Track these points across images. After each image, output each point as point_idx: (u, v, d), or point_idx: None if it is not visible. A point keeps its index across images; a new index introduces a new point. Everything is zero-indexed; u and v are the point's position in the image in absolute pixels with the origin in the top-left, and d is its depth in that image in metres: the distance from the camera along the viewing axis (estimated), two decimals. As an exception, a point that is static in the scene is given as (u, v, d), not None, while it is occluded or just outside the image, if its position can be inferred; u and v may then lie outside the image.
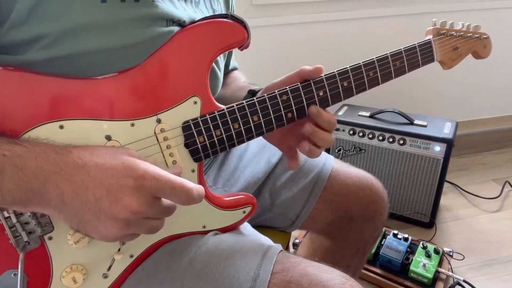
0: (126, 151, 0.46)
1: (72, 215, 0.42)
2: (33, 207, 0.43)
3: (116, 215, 0.41)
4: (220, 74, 0.69)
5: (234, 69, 0.88)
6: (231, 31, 0.55)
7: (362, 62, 0.63)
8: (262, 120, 0.58)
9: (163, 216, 0.46)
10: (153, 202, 0.43)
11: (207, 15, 0.63)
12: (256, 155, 0.82)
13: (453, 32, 0.72)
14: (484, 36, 0.75)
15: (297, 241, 1.37)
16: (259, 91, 0.68)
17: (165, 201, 0.45)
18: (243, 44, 0.56)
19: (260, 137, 0.82)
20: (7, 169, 0.40)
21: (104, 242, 0.51)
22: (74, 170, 0.42)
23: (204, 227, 0.59)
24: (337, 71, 0.62)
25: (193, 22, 0.57)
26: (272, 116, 0.59)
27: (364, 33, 1.75)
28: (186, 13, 0.57)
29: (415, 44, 0.68)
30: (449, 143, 1.37)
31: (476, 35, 0.74)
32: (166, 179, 0.43)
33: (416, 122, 1.47)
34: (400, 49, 0.66)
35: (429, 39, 0.70)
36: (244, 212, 0.61)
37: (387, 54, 0.65)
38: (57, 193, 0.41)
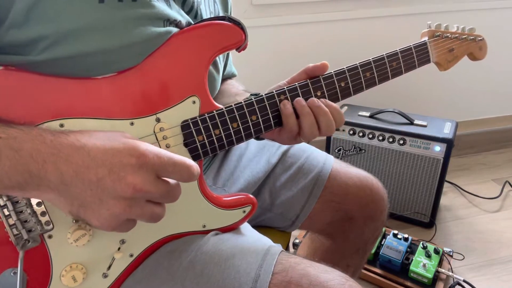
0: (123, 134, 0.46)
1: (74, 197, 0.42)
2: (31, 191, 0.42)
3: (119, 193, 0.41)
4: (218, 76, 0.70)
5: (233, 75, 0.88)
6: (229, 33, 0.56)
7: (359, 63, 0.64)
8: (260, 120, 0.59)
9: (166, 199, 0.46)
10: (156, 181, 0.43)
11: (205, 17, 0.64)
12: (256, 155, 0.82)
13: (448, 34, 0.73)
14: (479, 38, 0.76)
15: (297, 241, 1.37)
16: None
17: (169, 183, 0.45)
18: (240, 46, 0.57)
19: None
20: (3, 151, 0.40)
21: (102, 240, 0.51)
22: (73, 151, 0.41)
23: (204, 226, 0.59)
24: (334, 71, 0.63)
25: (189, 24, 0.57)
26: (270, 116, 0.59)
27: (364, 33, 1.75)
28: (181, 14, 0.57)
29: (410, 45, 0.69)
30: (449, 143, 1.37)
31: (471, 37, 0.75)
32: (168, 156, 0.43)
33: (416, 122, 1.47)
34: (396, 50, 0.67)
35: (425, 40, 0.71)
36: (244, 211, 0.61)
37: (383, 55, 0.66)
38: (56, 174, 0.41)
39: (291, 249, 1.33)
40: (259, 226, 0.82)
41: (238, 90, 0.77)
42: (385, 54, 0.66)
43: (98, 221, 0.43)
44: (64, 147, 0.41)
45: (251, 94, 0.70)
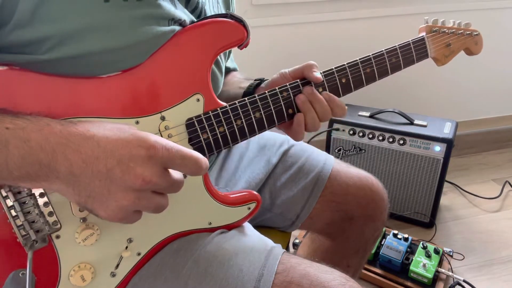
0: (131, 126, 0.46)
1: (82, 188, 0.42)
2: (40, 182, 0.42)
3: (128, 185, 0.41)
4: (220, 75, 0.70)
5: (234, 70, 0.89)
6: (231, 30, 0.56)
7: (359, 58, 0.65)
8: (264, 117, 0.60)
9: (172, 190, 0.46)
10: (164, 173, 0.43)
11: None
12: (257, 156, 0.82)
13: (445, 30, 0.75)
14: (475, 33, 0.78)
15: (297, 241, 1.37)
16: (265, 80, 0.70)
17: (174, 175, 0.45)
18: (242, 43, 0.58)
19: (261, 137, 0.83)
20: (11, 142, 0.39)
21: (110, 239, 0.52)
22: (83, 140, 0.41)
23: (210, 223, 0.60)
24: (335, 67, 0.64)
25: (193, 22, 0.58)
26: (274, 113, 0.60)
27: (364, 33, 1.75)
28: (185, 13, 0.58)
29: (409, 41, 0.70)
30: (449, 143, 1.37)
31: (467, 32, 0.77)
32: (177, 149, 0.44)
33: (416, 122, 1.47)
34: (395, 45, 0.68)
35: (423, 36, 0.72)
36: (249, 208, 0.62)
37: (382, 50, 0.67)
38: (66, 164, 0.40)
39: (291, 249, 1.33)
40: (259, 226, 0.83)
41: (239, 79, 0.79)
42: (385, 49, 0.67)
43: (106, 212, 0.43)
44: (73, 136, 0.41)
45: (255, 80, 0.71)
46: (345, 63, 0.65)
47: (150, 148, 0.42)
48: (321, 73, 0.63)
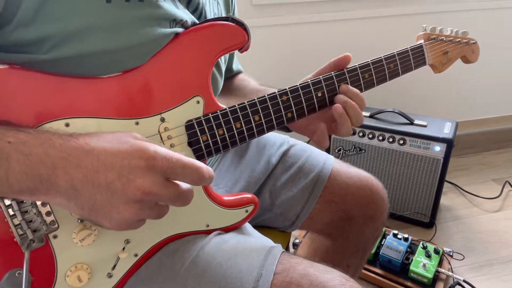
0: (131, 134, 0.46)
1: (84, 201, 0.42)
2: (40, 196, 0.42)
3: (129, 197, 0.41)
4: (220, 77, 0.70)
5: (239, 72, 0.89)
6: (232, 34, 0.56)
7: (358, 64, 0.65)
8: (263, 120, 0.59)
9: (177, 202, 0.45)
10: (165, 184, 0.43)
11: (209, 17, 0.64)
12: (256, 156, 0.82)
13: (443, 37, 0.75)
14: (472, 42, 0.78)
15: (297, 241, 1.37)
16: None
17: (180, 186, 0.44)
18: (243, 46, 0.58)
19: (261, 138, 0.83)
20: (13, 156, 0.39)
21: (107, 240, 0.52)
22: (83, 155, 0.41)
23: (208, 226, 0.60)
24: (334, 73, 0.64)
25: (195, 23, 0.58)
26: (273, 116, 0.60)
27: (364, 33, 1.76)
28: (186, 14, 0.58)
29: (407, 48, 0.70)
30: (449, 143, 1.37)
31: (465, 41, 0.78)
32: (177, 158, 0.43)
33: (416, 122, 1.47)
34: (393, 52, 0.68)
35: (421, 43, 0.72)
36: (247, 211, 0.62)
37: (381, 57, 0.67)
38: (66, 179, 0.40)
39: (291, 249, 1.33)
40: (259, 226, 0.83)
41: (256, 86, 0.78)
42: (383, 56, 0.67)
43: (110, 223, 0.43)
44: (73, 151, 0.41)
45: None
46: (344, 69, 0.65)
47: (150, 159, 0.42)
48: (321, 77, 0.64)
